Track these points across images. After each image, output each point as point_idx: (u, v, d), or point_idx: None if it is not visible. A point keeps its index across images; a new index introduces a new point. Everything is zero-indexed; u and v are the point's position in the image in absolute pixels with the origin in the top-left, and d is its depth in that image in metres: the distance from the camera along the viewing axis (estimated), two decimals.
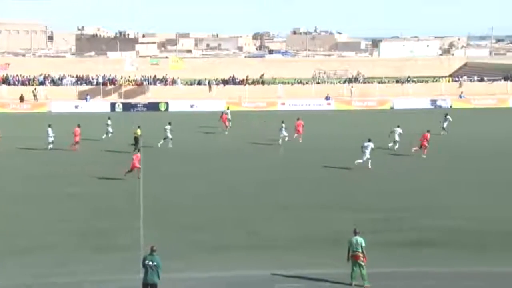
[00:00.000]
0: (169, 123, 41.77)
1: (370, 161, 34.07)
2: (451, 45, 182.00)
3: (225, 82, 79.59)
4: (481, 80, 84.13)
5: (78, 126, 40.90)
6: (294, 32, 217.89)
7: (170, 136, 41.37)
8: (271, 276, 18.72)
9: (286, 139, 42.80)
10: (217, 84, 78.40)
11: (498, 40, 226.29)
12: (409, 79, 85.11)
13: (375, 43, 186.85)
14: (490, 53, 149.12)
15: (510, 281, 18.29)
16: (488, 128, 51.94)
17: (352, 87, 78.11)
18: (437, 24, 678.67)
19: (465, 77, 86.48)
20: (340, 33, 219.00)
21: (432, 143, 38.55)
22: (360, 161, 33.93)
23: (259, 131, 49.07)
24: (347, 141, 43.55)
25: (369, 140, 34.33)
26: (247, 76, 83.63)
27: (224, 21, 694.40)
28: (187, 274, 18.97)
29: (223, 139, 45.75)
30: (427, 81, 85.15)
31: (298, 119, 44.72)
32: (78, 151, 39.50)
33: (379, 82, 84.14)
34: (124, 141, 41.59)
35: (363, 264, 17.95)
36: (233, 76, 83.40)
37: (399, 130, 39.89)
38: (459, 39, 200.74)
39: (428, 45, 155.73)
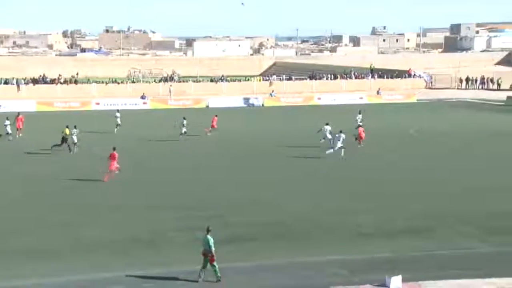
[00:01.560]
0: None
1: (343, 150, 36.79)
2: (261, 45, 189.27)
3: (35, 81, 75.84)
4: (290, 78, 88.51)
5: None
6: (107, 31, 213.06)
7: None
8: (116, 277, 18.36)
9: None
10: (26, 83, 74.51)
11: (303, 40, 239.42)
12: (222, 78, 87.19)
13: (189, 42, 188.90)
14: (296, 53, 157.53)
15: (310, 269, 19.46)
16: (297, 124, 54.82)
17: (171, 85, 78.35)
18: (248, 25, 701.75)
19: (274, 76, 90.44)
20: (154, 32, 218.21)
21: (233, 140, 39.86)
22: (331, 150, 36.69)
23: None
24: (161, 141, 43.86)
25: (341, 132, 37.30)
26: (60, 75, 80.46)
27: (31, 17, 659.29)
28: (5, 283, 17.97)
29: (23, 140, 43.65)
30: (240, 80, 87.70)
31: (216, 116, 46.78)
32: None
33: (194, 81, 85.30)
34: None
35: (208, 261, 18.07)
36: (43, 75, 79.77)
37: (328, 128, 40.30)
38: (268, 39, 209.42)
39: (239, 45, 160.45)
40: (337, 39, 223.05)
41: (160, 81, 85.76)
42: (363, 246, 21.35)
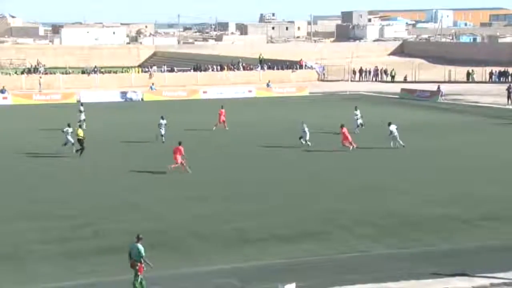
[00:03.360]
0: None
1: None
2: (138, 32, 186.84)
3: None
4: (172, 70, 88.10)
5: None
6: None
7: None
8: None
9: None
10: None
11: (186, 28, 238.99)
12: (96, 69, 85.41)
13: (56, 29, 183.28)
14: (179, 42, 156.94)
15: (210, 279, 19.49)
16: (180, 119, 54.59)
17: (40, 77, 75.79)
18: (123, 10, 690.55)
19: (154, 67, 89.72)
20: (13, 17, 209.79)
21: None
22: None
23: None
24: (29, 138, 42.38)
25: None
26: None
27: None
28: None
29: None
30: (115, 72, 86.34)
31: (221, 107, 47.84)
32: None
33: (62, 73, 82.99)
34: None
35: (137, 273, 17.71)
36: None
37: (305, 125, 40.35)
38: (146, 26, 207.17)
39: (114, 32, 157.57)
40: (223, 26, 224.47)
41: (22, 72, 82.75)
42: (253, 252, 21.55)
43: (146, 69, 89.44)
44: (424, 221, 24.88)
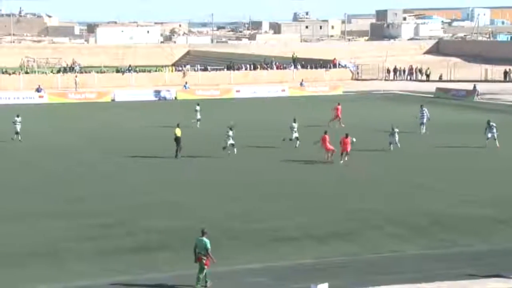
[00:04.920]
0: None
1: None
2: (172, 31, 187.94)
3: None
4: (205, 69, 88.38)
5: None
6: None
7: None
8: None
9: None
10: None
11: (219, 27, 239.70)
12: (130, 68, 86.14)
13: (91, 28, 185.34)
14: (212, 41, 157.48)
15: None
16: (212, 119, 54.75)
17: (76, 76, 76.77)
18: (157, 9, 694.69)
19: (188, 66, 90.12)
20: (50, 16, 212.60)
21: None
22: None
23: None
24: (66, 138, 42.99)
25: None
26: None
27: None
28: None
29: None
30: (149, 71, 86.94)
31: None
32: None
33: (97, 72, 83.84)
34: None
35: (204, 266, 18.15)
36: None
37: (295, 125, 39.67)
38: (180, 25, 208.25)
39: (148, 31, 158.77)
40: (256, 25, 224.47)
41: (58, 71, 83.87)
42: (286, 252, 21.54)
43: (180, 68, 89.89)
44: (460, 222, 24.62)
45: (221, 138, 37.57)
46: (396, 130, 38.49)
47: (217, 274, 19.12)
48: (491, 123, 39.35)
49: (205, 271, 18.23)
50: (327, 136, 35.36)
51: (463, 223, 24.49)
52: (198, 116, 48.55)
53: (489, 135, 39.13)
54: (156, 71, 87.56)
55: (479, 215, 25.47)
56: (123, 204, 27.30)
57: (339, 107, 48.30)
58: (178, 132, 36.81)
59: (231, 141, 36.51)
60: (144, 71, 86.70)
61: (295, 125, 39.60)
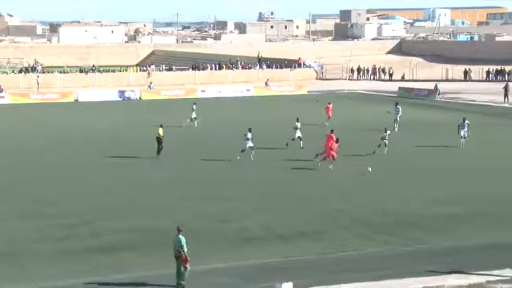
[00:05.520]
0: None
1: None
2: (137, 31, 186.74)
3: None
4: (170, 69, 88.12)
5: None
6: None
7: None
8: None
9: None
10: None
11: (184, 27, 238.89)
12: (94, 68, 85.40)
13: (54, 27, 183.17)
14: (177, 41, 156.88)
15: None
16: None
17: (38, 76, 75.88)
18: (121, 9, 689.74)
19: (153, 66, 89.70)
20: (11, 15, 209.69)
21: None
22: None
23: None
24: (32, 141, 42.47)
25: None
26: None
27: None
28: None
29: None
30: (113, 71, 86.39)
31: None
32: None
33: (60, 72, 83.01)
34: None
35: (183, 263, 18.34)
36: None
37: (298, 125, 39.38)
38: (145, 25, 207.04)
39: (112, 31, 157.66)
40: (222, 25, 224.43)
41: (20, 71, 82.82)
42: (252, 251, 21.64)
43: (145, 68, 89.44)
44: (424, 220, 24.98)
45: (204, 138, 37.53)
46: (467, 122, 39.03)
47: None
48: (465, 121, 39.50)
49: (186, 268, 18.39)
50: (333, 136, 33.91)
51: (427, 221, 24.84)
52: (194, 115, 48.65)
53: (462, 133, 39.31)
54: (120, 71, 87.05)
55: (443, 213, 25.85)
56: (91, 204, 27.15)
57: (330, 106, 49.19)
58: (160, 132, 37.21)
59: (250, 144, 35.68)
60: (108, 71, 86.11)
61: (298, 124, 39.45)
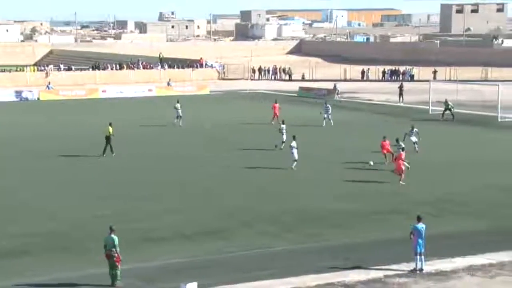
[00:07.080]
0: None
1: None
2: (33, 30, 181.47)
3: None
4: (69, 69, 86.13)
5: None
6: None
7: None
8: None
9: None
10: None
11: (83, 26, 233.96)
12: None
13: None
14: (76, 40, 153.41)
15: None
16: (77, 120, 53.37)
17: None
18: (16, 6, 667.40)
19: (51, 66, 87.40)
20: None
21: None
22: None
23: None
24: None
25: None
26: None
27: None
28: None
29: None
30: (9, 70, 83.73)
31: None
32: None
33: None
34: None
35: (115, 263, 18.18)
36: None
37: (284, 127, 38.58)
38: (41, 24, 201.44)
39: (7, 30, 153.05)
40: (122, 24, 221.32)
41: None
42: (156, 252, 21.43)
43: (42, 68, 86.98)
44: (327, 217, 25.44)
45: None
46: (415, 130, 37.43)
47: (83, 277, 18.76)
48: (414, 129, 37.92)
49: (118, 267, 18.27)
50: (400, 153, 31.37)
51: (329, 218, 25.31)
52: (180, 114, 47.86)
53: (414, 139, 37.54)
54: (16, 70, 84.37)
55: (339, 209, 26.43)
56: None
57: (277, 105, 49.55)
58: (110, 130, 36.86)
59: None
60: (3, 71, 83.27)
61: (284, 126, 38.80)
